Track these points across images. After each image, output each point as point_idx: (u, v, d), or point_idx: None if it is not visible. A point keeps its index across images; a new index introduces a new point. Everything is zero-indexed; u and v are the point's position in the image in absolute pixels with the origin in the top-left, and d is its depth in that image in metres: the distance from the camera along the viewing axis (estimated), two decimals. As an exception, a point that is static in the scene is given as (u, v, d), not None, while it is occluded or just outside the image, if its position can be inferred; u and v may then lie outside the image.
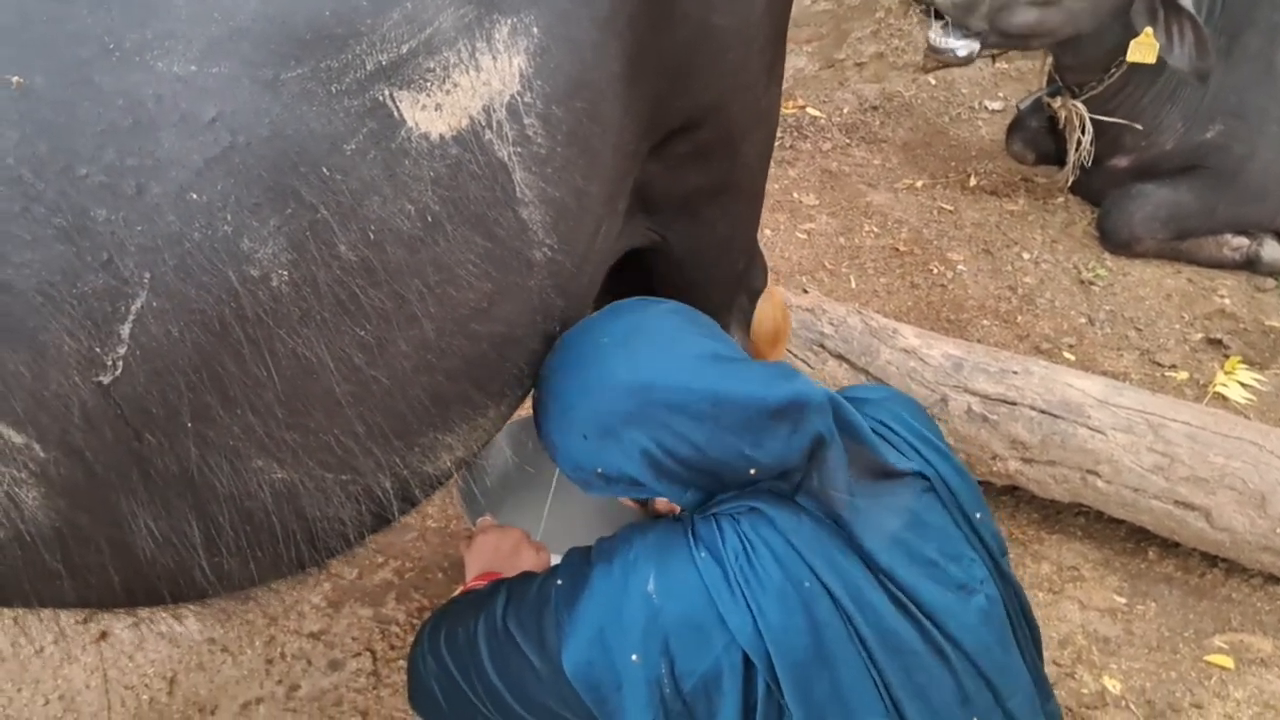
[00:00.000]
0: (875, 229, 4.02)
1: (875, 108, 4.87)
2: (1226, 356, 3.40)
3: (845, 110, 4.83)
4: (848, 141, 4.61)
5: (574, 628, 1.38)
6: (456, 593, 2.47)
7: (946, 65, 3.75)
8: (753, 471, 1.38)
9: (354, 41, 1.13)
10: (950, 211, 4.15)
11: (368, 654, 2.38)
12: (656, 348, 1.43)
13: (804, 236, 3.96)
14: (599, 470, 1.43)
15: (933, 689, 1.38)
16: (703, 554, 1.37)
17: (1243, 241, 3.79)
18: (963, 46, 3.57)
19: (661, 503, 1.52)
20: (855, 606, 1.36)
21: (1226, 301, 3.68)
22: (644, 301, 1.55)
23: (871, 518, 1.40)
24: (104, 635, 2.37)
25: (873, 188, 4.30)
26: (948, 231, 4.03)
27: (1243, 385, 3.26)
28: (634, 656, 1.34)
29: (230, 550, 1.23)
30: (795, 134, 4.59)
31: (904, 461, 1.48)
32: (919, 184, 4.33)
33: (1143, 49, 3.50)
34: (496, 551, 1.86)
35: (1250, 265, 3.80)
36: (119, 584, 1.20)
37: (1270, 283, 3.77)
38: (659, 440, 1.37)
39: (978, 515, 1.53)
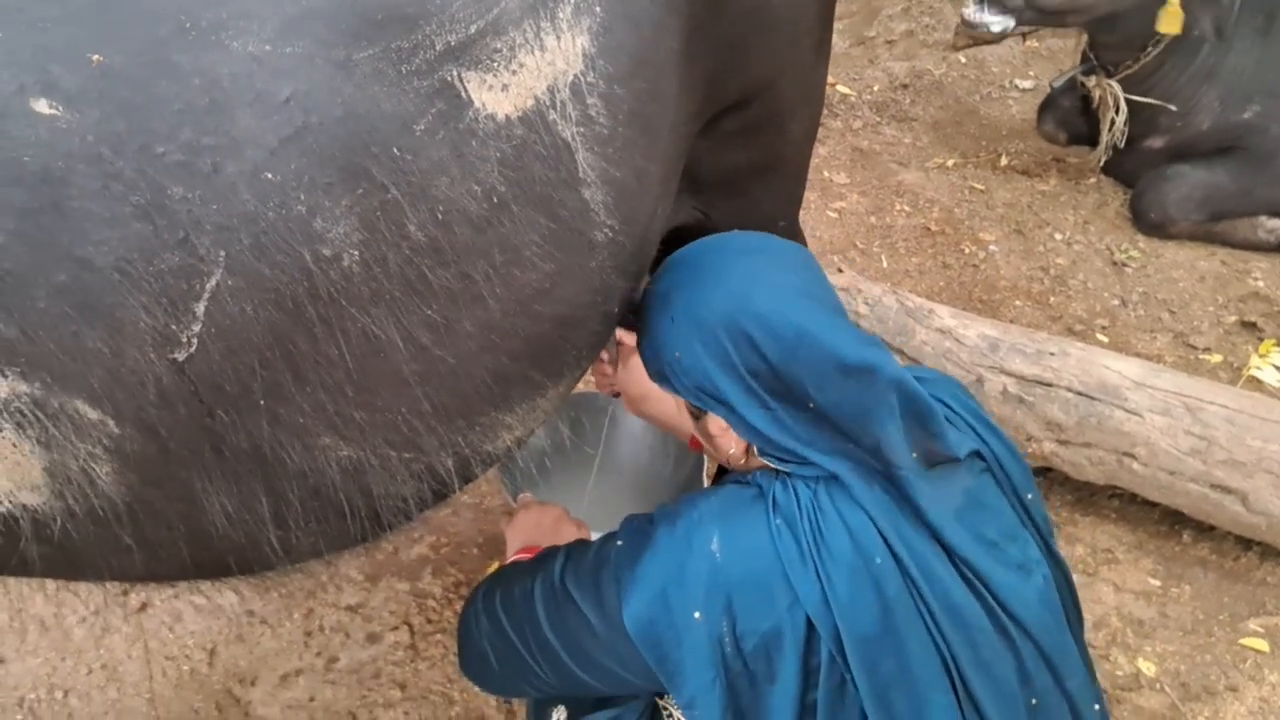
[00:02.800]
0: (907, 208, 4.01)
1: (905, 86, 4.85)
2: (1260, 339, 3.39)
3: (876, 88, 4.81)
4: (878, 120, 4.60)
5: (636, 585, 1.38)
6: (493, 568, 2.49)
7: (978, 42, 3.72)
8: (811, 405, 1.38)
9: (424, 22, 1.13)
10: (982, 191, 4.14)
11: (405, 627, 2.40)
12: (774, 268, 1.46)
13: (835, 215, 3.95)
14: (676, 354, 1.43)
15: (997, 666, 1.39)
16: (778, 521, 1.37)
17: (1278, 223, 3.76)
18: (997, 22, 3.55)
19: (728, 445, 1.50)
20: (925, 580, 1.36)
21: (1261, 284, 3.66)
22: (776, 237, 1.57)
23: (935, 495, 1.40)
24: (144, 607, 2.39)
25: (903, 166, 4.28)
26: (979, 211, 4.01)
27: (1277, 368, 3.25)
28: (696, 614, 1.34)
29: (298, 525, 1.24)
30: (826, 112, 4.57)
31: (965, 441, 1.48)
32: (950, 163, 4.32)
33: (1170, 18, 3.48)
34: (538, 527, 1.88)
35: (1285, 248, 3.78)
36: (189, 557, 1.21)
37: (1305, 265, 3.75)
38: (738, 348, 1.38)
39: (1029, 496, 1.54)
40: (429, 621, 2.42)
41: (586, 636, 1.44)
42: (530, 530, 1.88)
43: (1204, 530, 2.70)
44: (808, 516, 1.37)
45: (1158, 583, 2.60)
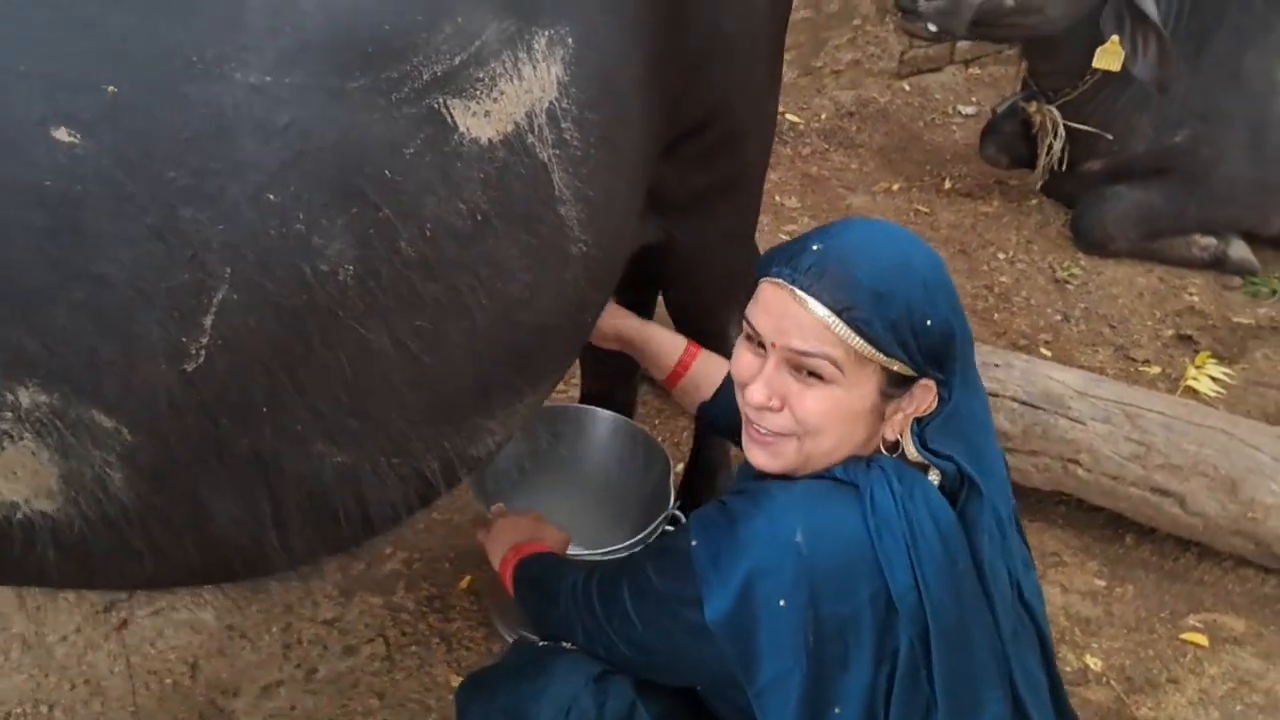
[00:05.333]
0: (856, 230, 4.11)
1: (852, 114, 4.98)
2: (1196, 351, 3.53)
3: (823, 116, 4.95)
4: (826, 146, 4.72)
5: (719, 578, 1.40)
6: (466, 582, 2.55)
7: (915, 36, 3.74)
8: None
9: (411, 54, 1.22)
10: (927, 213, 4.27)
11: (381, 639, 2.45)
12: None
13: (787, 238, 4.05)
14: (928, 322, 1.40)
15: (1027, 657, 1.48)
16: (874, 518, 1.39)
17: (1211, 241, 3.91)
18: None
19: (891, 431, 1.50)
20: (993, 580, 1.43)
21: (1196, 299, 3.82)
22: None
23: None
24: (125, 624, 2.44)
25: (851, 191, 4.41)
26: (924, 233, 4.13)
27: (1212, 379, 3.39)
28: (781, 601, 1.37)
29: (296, 529, 1.31)
30: (776, 139, 4.67)
31: None
32: (895, 187, 4.45)
33: (1108, 56, 3.61)
34: (518, 530, 1.95)
35: (1218, 264, 3.93)
36: (196, 560, 1.29)
37: (1237, 281, 3.91)
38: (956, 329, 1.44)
39: (1013, 503, 1.63)
40: (404, 634, 2.48)
41: (676, 631, 1.46)
42: (511, 534, 1.95)
43: (1146, 534, 2.82)
44: (903, 514, 1.40)
45: (1103, 583, 2.72)
